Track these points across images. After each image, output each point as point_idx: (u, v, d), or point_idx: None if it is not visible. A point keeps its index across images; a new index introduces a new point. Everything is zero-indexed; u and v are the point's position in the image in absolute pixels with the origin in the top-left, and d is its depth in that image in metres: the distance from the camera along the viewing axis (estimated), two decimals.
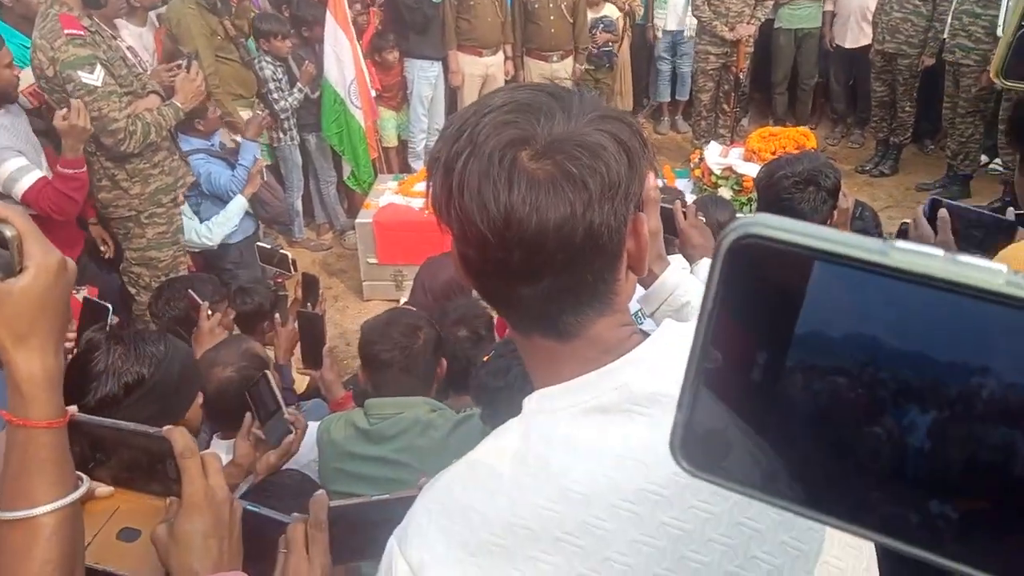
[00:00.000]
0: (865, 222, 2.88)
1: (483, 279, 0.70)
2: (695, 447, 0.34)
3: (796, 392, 0.32)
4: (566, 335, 0.70)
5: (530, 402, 0.72)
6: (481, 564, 0.66)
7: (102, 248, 3.50)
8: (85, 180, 3.10)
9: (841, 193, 2.17)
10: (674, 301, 1.23)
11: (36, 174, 3.00)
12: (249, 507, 1.19)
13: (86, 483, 0.88)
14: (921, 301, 0.30)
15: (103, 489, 0.99)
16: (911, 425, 0.30)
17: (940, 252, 0.30)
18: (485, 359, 2.08)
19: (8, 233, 0.79)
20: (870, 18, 5.48)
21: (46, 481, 0.82)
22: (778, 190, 2.13)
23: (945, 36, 5.05)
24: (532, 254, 0.65)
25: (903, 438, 0.30)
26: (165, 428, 0.93)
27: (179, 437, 0.91)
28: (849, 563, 0.70)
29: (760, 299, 0.32)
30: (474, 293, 2.83)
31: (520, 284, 0.67)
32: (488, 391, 1.68)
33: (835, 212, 2.16)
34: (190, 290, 2.60)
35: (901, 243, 0.31)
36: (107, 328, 1.64)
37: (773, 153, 3.98)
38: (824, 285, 0.31)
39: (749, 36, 5.49)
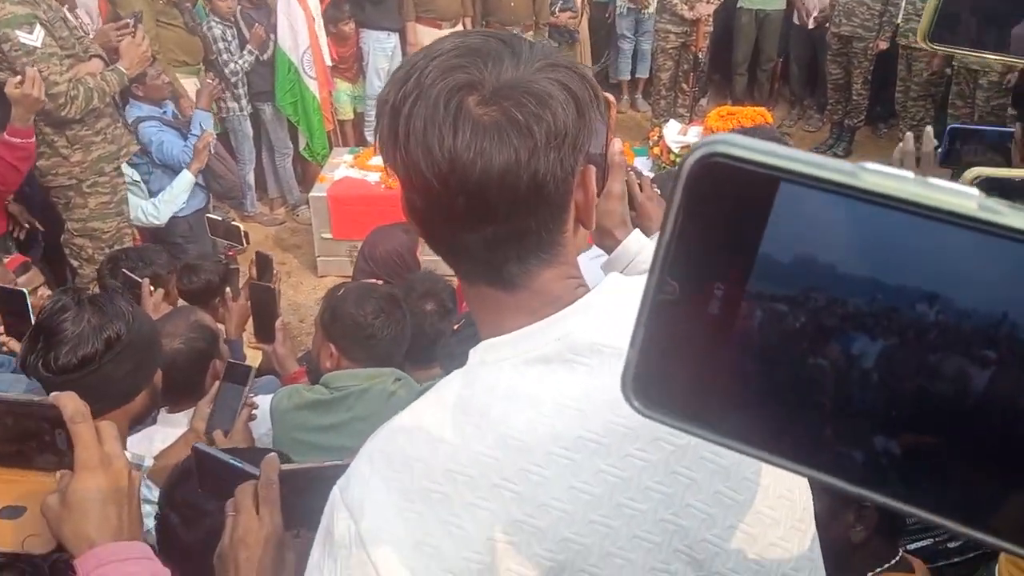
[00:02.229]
0: None
1: (429, 225, 0.69)
2: (647, 385, 0.32)
3: (755, 324, 0.30)
4: (511, 285, 0.69)
5: (475, 353, 0.71)
6: (420, 511, 0.66)
7: (18, 228, 3.28)
8: (32, 151, 2.98)
9: None
10: (636, 267, 1.22)
11: None
12: (230, 460, 1.12)
13: None
14: (891, 226, 0.28)
15: None
16: (863, 354, 0.29)
17: (911, 175, 0.29)
18: (455, 328, 2.06)
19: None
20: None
21: None
22: None
23: (899, 20, 5.13)
24: (476, 200, 0.64)
25: (855, 368, 0.29)
26: (52, 394, 0.87)
27: (69, 401, 0.85)
28: (782, 513, 0.71)
29: (721, 225, 0.30)
30: (422, 264, 2.82)
31: (464, 231, 0.67)
32: (457, 359, 1.66)
33: None
34: (125, 271, 2.51)
35: (871, 165, 0.29)
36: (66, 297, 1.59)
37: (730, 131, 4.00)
38: (789, 209, 0.29)
39: (708, 15, 5.50)
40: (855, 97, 5.63)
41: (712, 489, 0.68)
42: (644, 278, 0.32)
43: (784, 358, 0.30)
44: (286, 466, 0.98)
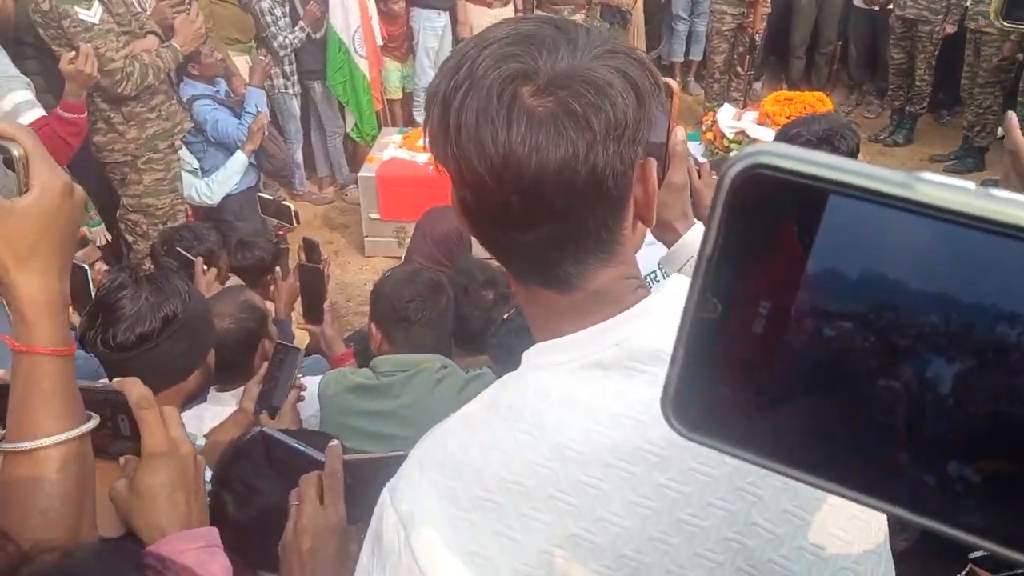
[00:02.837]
0: None
1: (481, 224, 0.66)
2: (689, 406, 0.31)
3: (804, 344, 0.29)
4: (567, 286, 0.66)
5: (529, 356, 0.69)
6: (472, 520, 0.63)
7: None
8: (84, 127, 3.04)
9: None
10: None
11: (38, 112, 2.93)
12: (296, 444, 1.12)
13: (95, 419, 0.83)
14: (949, 240, 0.26)
15: None
16: (933, 378, 0.27)
17: (971, 185, 0.27)
18: (505, 317, 2.04)
19: (16, 152, 0.77)
20: None
21: (51, 413, 0.79)
22: None
23: (968, 3, 4.92)
24: (531, 197, 0.61)
25: (923, 392, 0.27)
26: (116, 380, 0.88)
27: (133, 387, 0.86)
28: (856, 536, 0.67)
29: (766, 240, 0.29)
30: (474, 244, 2.76)
31: (519, 230, 0.64)
32: (508, 349, 1.65)
33: None
34: (179, 249, 2.56)
35: (927, 175, 0.27)
36: (129, 271, 1.63)
37: (788, 117, 3.88)
38: (839, 222, 0.28)
39: None
40: (918, 83, 5.43)
41: (779, 507, 0.64)
42: None
43: (836, 379, 0.29)
44: (350, 456, 0.97)
